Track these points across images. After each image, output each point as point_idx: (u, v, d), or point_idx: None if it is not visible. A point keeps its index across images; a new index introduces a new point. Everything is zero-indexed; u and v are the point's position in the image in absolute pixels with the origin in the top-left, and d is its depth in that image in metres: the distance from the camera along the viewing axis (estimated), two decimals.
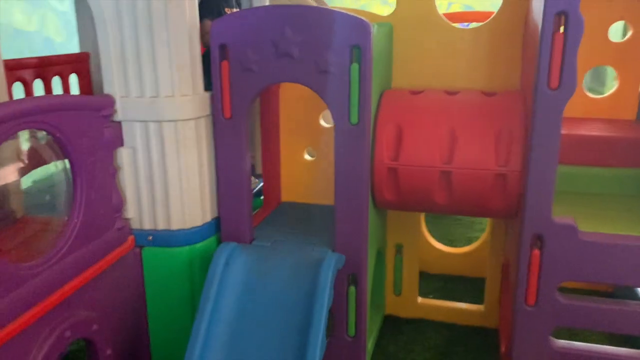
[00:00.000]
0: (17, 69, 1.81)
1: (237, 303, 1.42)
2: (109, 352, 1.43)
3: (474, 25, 1.77)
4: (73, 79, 2.08)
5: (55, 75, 1.98)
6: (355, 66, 1.37)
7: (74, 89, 2.10)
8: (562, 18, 1.25)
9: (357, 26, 1.35)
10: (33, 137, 1.38)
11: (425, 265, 2.27)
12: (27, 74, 1.85)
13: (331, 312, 1.58)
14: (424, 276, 2.23)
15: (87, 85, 2.10)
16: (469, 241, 2.55)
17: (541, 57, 1.27)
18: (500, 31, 1.64)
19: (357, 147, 1.43)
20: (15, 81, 1.82)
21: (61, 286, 1.27)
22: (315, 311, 1.33)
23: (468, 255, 2.22)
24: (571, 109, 1.30)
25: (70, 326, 1.28)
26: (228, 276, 1.44)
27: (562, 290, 1.41)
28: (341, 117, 1.42)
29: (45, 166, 1.41)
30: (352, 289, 1.54)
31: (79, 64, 2.06)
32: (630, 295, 1.92)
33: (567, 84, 1.27)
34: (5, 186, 1.37)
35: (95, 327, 1.37)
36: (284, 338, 1.35)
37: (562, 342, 1.47)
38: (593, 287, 2.05)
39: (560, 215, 1.37)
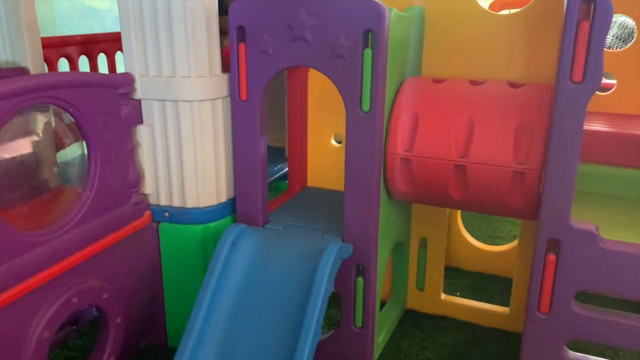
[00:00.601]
0: (62, 45, 1.90)
1: (240, 285, 1.43)
2: (118, 320, 1.49)
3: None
4: (119, 57, 2.17)
5: (100, 52, 2.07)
6: (368, 52, 1.33)
7: (120, 67, 2.19)
8: (591, 5, 1.14)
9: (370, 10, 1.30)
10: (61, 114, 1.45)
11: (459, 262, 2.19)
12: (72, 50, 1.94)
13: (338, 302, 1.57)
14: (455, 272, 2.16)
15: None
16: (514, 239, 2.43)
17: (563, 48, 1.17)
18: (538, 18, 1.53)
19: (368, 136, 1.39)
20: (61, 57, 1.92)
21: (71, 254, 1.33)
22: (312, 299, 1.32)
23: (503, 254, 2.11)
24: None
25: (77, 293, 1.35)
26: (233, 258, 1.45)
27: (588, 297, 1.31)
28: (353, 104, 1.38)
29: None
30: (360, 280, 1.51)
31: None
32: None
33: (591, 77, 1.16)
34: (32, 157, 1.45)
35: (105, 295, 1.43)
36: (281, 325, 1.35)
37: (577, 355, 1.37)
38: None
39: (580, 219, 1.26)
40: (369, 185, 1.43)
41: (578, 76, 1.17)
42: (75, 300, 1.34)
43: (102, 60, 2.10)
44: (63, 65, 1.95)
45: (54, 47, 1.86)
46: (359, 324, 1.56)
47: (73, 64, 1.96)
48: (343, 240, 1.49)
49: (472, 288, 2.06)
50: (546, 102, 1.36)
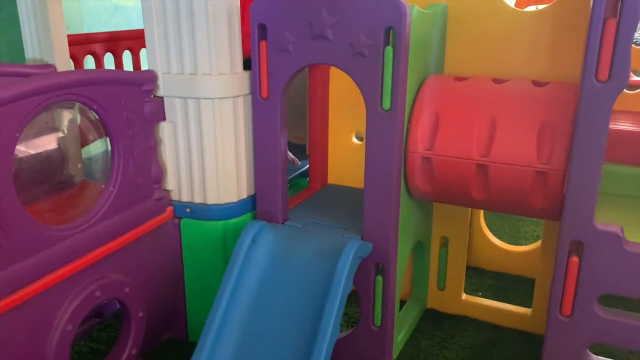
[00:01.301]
0: (88, 42, 1.93)
1: (259, 282, 1.44)
2: (140, 314, 1.51)
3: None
4: (144, 54, 2.19)
5: (125, 49, 2.09)
6: (389, 49, 1.32)
7: (145, 64, 2.21)
8: (618, 2, 1.11)
9: (392, 7, 1.29)
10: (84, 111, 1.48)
11: (481, 261, 2.17)
12: (97, 47, 1.97)
13: (358, 300, 1.56)
14: (477, 272, 2.13)
15: None
16: (537, 239, 2.39)
17: (589, 46, 1.14)
18: (564, 16, 1.50)
19: (389, 134, 1.38)
20: (86, 55, 1.96)
21: (94, 249, 1.36)
22: (330, 297, 1.32)
23: (526, 255, 2.09)
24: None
25: (100, 287, 1.37)
26: (253, 254, 1.46)
27: (610, 299, 1.28)
28: (373, 102, 1.37)
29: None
30: (379, 278, 1.51)
31: None
32: None
33: (618, 76, 1.14)
34: (57, 153, 1.48)
35: (127, 289, 1.46)
36: (299, 322, 1.35)
37: (600, 358, 1.34)
38: None
39: (604, 220, 1.24)
40: (388, 184, 1.42)
41: (604, 75, 1.15)
42: (98, 294, 1.37)
43: (127, 57, 2.13)
44: (89, 62, 1.98)
45: (79, 44, 1.89)
46: (378, 322, 1.55)
47: (99, 61, 2.00)
48: (362, 239, 1.49)
49: (494, 288, 2.03)
50: (571, 101, 1.33)
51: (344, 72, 1.39)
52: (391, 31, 1.32)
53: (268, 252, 1.47)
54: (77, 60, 1.90)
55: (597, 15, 1.12)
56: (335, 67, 1.40)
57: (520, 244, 2.32)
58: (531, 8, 2.11)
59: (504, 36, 1.58)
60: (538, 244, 2.08)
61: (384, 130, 1.38)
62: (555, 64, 1.54)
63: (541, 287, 1.74)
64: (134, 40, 2.12)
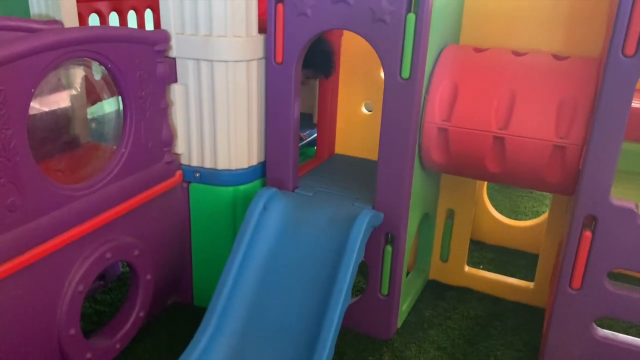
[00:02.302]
0: (93, 0, 1.87)
1: (270, 248, 1.44)
2: (148, 277, 1.51)
3: None
4: (148, 15, 2.14)
5: (130, 9, 2.04)
6: (411, 16, 1.30)
7: (149, 24, 2.16)
8: None
9: None
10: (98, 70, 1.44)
11: (482, 235, 2.18)
12: (103, 6, 1.92)
13: (366, 269, 1.57)
14: (478, 245, 2.15)
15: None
16: (536, 215, 2.42)
17: (618, 19, 1.13)
18: None
19: (406, 104, 1.37)
20: (91, 12, 1.90)
21: (105, 211, 1.34)
22: (342, 266, 1.32)
23: (528, 230, 2.10)
24: None
25: (111, 248, 1.36)
26: (264, 221, 1.45)
27: (624, 279, 1.30)
28: (392, 70, 1.35)
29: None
30: (389, 248, 1.51)
31: None
32: None
33: None
34: (68, 111, 1.45)
35: (136, 252, 1.45)
36: (310, 289, 1.36)
37: (605, 332, 1.37)
38: None
39: (619, 196, 1.24)
40: (403, 154, 1.41)
41: (631, 50, 1.14)
42: (109, 255, 1.35)
43: (131, 17, 2.07)
44: (93, 20, 1.93)
45: (85, 1, 1.83)
46: (385, 291, 1.57)
47: (103, 20, 1.94)
48: (374, 208, 1.49)
49: (495, 262, 2.05)
50: (591, 76, 1.32)
51: (364, 38, 1.37)
52: None
53: (280, 219, 1.47)
54: (81, 17, 1.83)
55: None
56: (355, 33, 1.38)
57: (520, 219, 2.34)
58: None
59: (522, 8, 1.56)
60: (539, 219, 2.11)
61: (402, 99, 1.37)
62: (572, 37, 1.52)
63: (545, 262, 1.76)
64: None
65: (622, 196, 1.26)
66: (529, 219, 2.35)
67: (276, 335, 1.33)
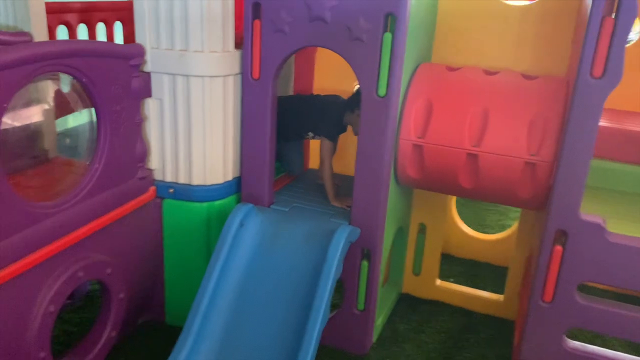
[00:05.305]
0: (62, 12, 1.84)
1: (247, 265, 1.42)
2: (121, 295, 1.47)
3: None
4: (118, 27, 2.11)
5: (99, 21, 2.01)
6: (388, 35, 1.32)
7: (119, 37, 2.13)
8: (614, 1, 1.15)
9: None
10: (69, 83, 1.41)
11: (451, 248, 2.22)
12: (71, 18, 1.88)
13: (341, 284, 1.57)
14: (448, 259, 2.18)
15: (131, 34, 2.12)
16: (502, 228, 2.47)
17: (586, 43, 1.18)
18: (552, 11, 1.54)
19: (382, 121, 1.39)
20: (59, 24, 1.86)
21: (77, 228, 1.30)
22: (321, 283, 1.32)
23: (496, 243, 2.15)
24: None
25: (83, 267, 1.32)
26: (241, 237, 1.44)
27: (588, 290, 1.34)
28: (369, 88, 1.37)
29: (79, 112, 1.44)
30: (365, 263, 1.52)
31: (124, 12, 2.07)
32: None
33: (612, 73, 1.18)
34: (38, 126, 1.41)
35: (109, 270, 1.41)
36: (288, 307, 1.35)
37: (575, 344, 1.41)
38: (626, 291, 1.95)
39: (589, 212, 1.29)
40: (380, 170, 1.43)
41: (598, 71, 1.19)
42: (81, 274, 1.32)
43: (100, 30, 2.04)
44: (61, 32, 1.89)
45: (53, 13, 1.79)
46: (361, 306, 1.57)
47: (72, 32, 1.90)
48: (350, 224, 1.50)
49: (464, 275, 2.09)
50: (561, 95, 1.37)
51: (341, 56, 1.39)
52: (390, 17, 1.32)
53: (256, 235, 1.46)
54: (50, 30, 1.79)
55: (595, 13, 1.16)
56: (332, 50, 1.39)
57: (486, 233, 2.39)
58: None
59: (492, 28, 1.61)
60: (506, 233, 2.16)
61: (379, 116, 1.39)
62: (540, 58, 1.58)
63: (514, 275, 1.81)
64: (110, 12, 2.03)
65: (591, 211, 1.31)
66: (495, 232, 2.40)
67: (254, 353, 1.32)
